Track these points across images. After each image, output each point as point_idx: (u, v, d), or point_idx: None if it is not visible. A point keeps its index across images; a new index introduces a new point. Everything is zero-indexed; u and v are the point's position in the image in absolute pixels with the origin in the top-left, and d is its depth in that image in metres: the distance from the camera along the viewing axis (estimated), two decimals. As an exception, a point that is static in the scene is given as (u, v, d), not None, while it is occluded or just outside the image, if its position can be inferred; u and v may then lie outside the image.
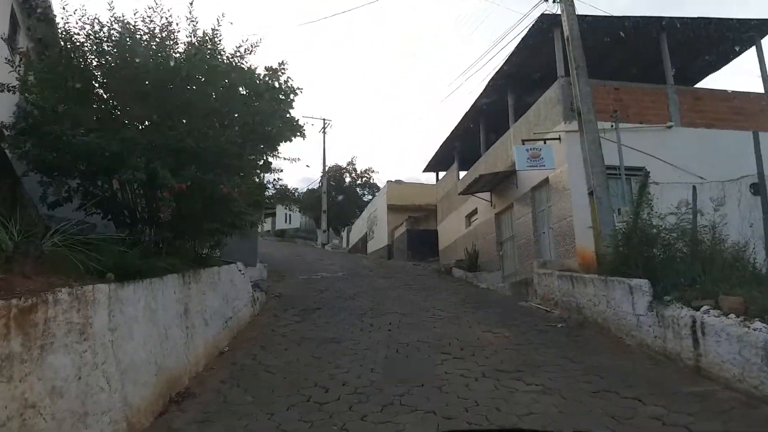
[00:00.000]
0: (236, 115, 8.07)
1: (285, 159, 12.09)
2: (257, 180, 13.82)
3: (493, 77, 15.16)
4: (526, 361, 7.10)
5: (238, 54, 7.92)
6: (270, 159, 12.05)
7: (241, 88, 8.23)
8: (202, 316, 7.46)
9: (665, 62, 12.08)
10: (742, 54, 13.19)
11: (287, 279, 15.16)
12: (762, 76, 12.44)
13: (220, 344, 7.90)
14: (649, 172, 8.41)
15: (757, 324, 5.41)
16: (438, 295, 13.09)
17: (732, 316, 5.83)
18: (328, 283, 14.36)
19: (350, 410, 5.29)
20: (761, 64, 12.43)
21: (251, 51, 8.09)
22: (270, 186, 14.77)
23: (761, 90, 12.48)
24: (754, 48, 12.54)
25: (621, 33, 11.39)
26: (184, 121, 7.45)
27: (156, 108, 7.32)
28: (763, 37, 12.60)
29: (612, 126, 10.86)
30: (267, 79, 9.67)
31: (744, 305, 5.84)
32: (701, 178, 10.55)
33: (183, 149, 6.97)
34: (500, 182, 15.68)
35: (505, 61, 14.17)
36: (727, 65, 13.88)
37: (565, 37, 9.87)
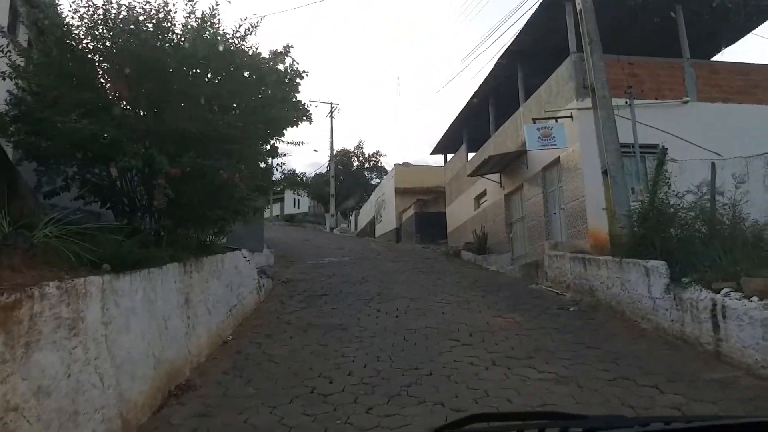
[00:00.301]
0: (237, 99, 7.81)
1: (289, 143, 11.77)
2: (263, 165, 13.65)
3: (502, 55, 14.74)
4: (538, 347, 6.88)
5: (238, 35, 7.63)
6: (276, 144, 11.86)
7: (244, 72, 7.97)
8: (205, 305, 7.29)
9: (681, 35, 11.62)
10: (762, 25, 12.70)
11: (295, 264, 15.00)
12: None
13: (224, 333, 7.75)
14: (666, 149, 8.07)
15: (784, 307, 5.13)
16: (446, 278, 12.88)
17: (755, 299, 5.55)
18: (336, 268, 14.18)
19: (355, 402, 5.10)
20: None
21: (252, 31, 7.80)
22: (276, 171, 14.58)
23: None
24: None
25: (634, 5, 10.93)
26: (183, 105, 7.20)
27: (154, 92, 7.08)
28: (785, 6, 12.12)
29: (626, 102, 10.48)
30: (271, 62, 9.49)
31: (765, 287, 5.55)
32: (718, 154, 10.18)
33: (182, 134, 6.75)
34: (510, 163, 15.35)
35: (515, 39, 13.76)
36: (744, 38, 13.41)
37: (578, 9, 9.46)
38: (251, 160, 8.47)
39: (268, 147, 13.47)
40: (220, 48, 7.22)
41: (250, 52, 7.87)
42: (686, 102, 11.39)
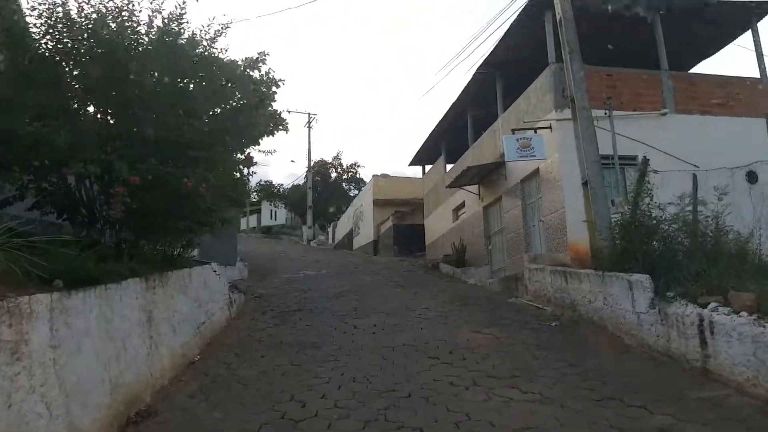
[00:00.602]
0: (206, 104, 7.44)
1: (261, 151, 11.44)
2: (238, 175, 13.24)
3: (480, 66, 14.64)
4: (520, 366, 6.61)
5: (207, 36, 7.28)
6: (251, 153, 11.50)
7: (213, 75, 7.62)
8: (170, 322, 6.86)
9: (659, 46, 11.62)
10: (738, 38, 12.76)
11: (269, 278, 14.56)
12: (758, 59, 12.06)
13: (191, 353, 7.31)
14: (648, 159, 7.93)
15: (775, 323, 4.93)
16: (425, 292, 12.58)
17: (744, 314, 5.36)
18: (312, 282, 13.78)
19: (329, 429, 4.74)
20: (757, 47, 12.05)
21: (221, 32, 7.46)
22: (248, 180, 14.15)
23: (756, 75, 12.12)
24: (749, 32, 12.15)
25: (613, 16, 10.87)
26: (147, 109, 6.81)
27: (116, 95, 6.69)
28: (760, 20, 12.19)
29: (605, 113, 10.39)
30: (246, 69, 9.18)
31: (757, 302, 5.37)
32: (696, 166, 10.13)
33: (144, 140, 6.36)
34: (488, 174, 15.20)
35: (493, 49, 13.66)
36: (721, 51, 13.49)
37: (558, 19, 9.33)
38: (221, 169, 8.09)
39: (243, 156, 13.11)
40: (187, 49, 6.87)
41: (221, 56, 7.55)
42: (664, 114, 11.35)
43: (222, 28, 7.37)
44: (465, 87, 16.05)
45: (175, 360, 6.72)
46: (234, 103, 9.15)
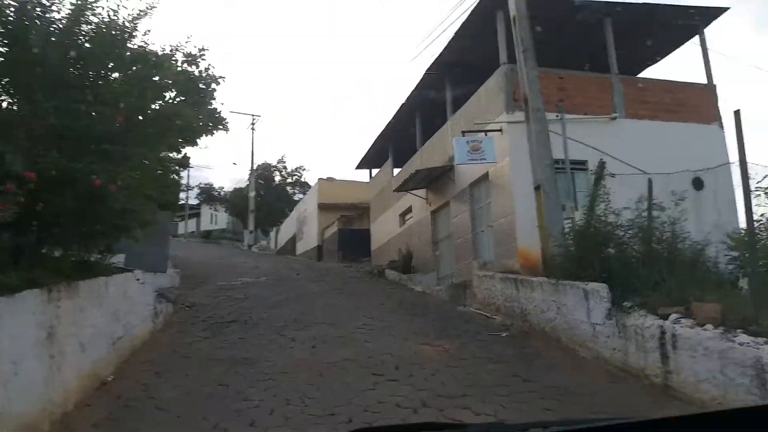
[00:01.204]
0: (128, 95, 6.59)
1: (191, 146, 10.61)
2: (174, 177, 12.27)
3: (430, 67, 14.20)
4: (471, 382, 6.11)
5: (129, 17, 6.47)
6: (187, 153, 10.64)
7: (135, 62, 6.79)
8: (78, 339, 5.97)
9: (609, 49, 11.49)
10: (685, 44, 12.84)
11: (203, 286, 13.57)
12: (705, 65, 12.13)
13: (104, 372, 6.43)
14: (605, 163, 7.64)
15: (743, 337, 4.61)
16: (370, 300, 11.98)
17: (709, 326, 5.02)
18: (249, 290, 12.91)
19: (254, 468, 4.05)
20: (704, 53, 12.12)
21: (145, 14, 6.66)
22: (179, 181, 13.18)
23: (704, 81, 12.20)
24: (697, 38, 12.24)
25: (564, 18, 10.64)
26: (56, 95, 5.92)
27: (15, 78, 5.79)
28: (707, 25, 12.29)
29: (557, 116, 10.11)
30: (184, 64, 8.46)
31: (722, 314, 5.05)
32: (644, 171, 9.97)
33: (47, 130, 5.49)
34: (437, 178, 14.78)
35: (443, 50, 13.25)
36: (671, 56, 13.58)
37: (512, 16, 8.98)
38: (143, 167, 7.22)
39: (179, 156, 12.18)
40: (104, 28, 6.04)
41: (148, 44, 6.78)
42: (614, 118, 11.22)
43: (148, 7, 6.59)
44: (414, 89, 15.59)
45: (83, 381, 5.86)
46: (166, 97, 8.41)
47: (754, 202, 5.81)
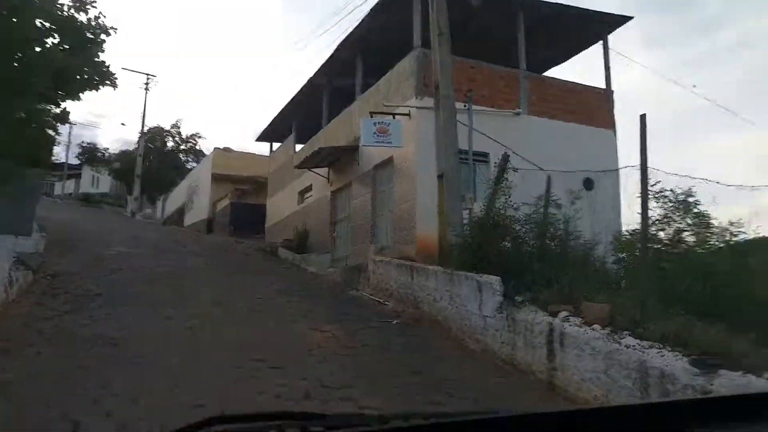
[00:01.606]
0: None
1: (72, 101, 9.54)
2: (50, 132, 10.87)
3: (340, 44, 13.70)
4: (359, 372, 5.83)
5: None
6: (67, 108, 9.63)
7: None
8: None
9: (519, 45, 11.63)
10: (590, 48, 13.30)
11: (73, 253, 12.19)
12: (605, 71, 12.63)
13: (-73, 348, 5.41)
14: (509, 156, 7.62)
15: (630, 340, 4.67)
16: (260, 279, 11.39)
17: (597, 326, 5.08)
18: (125, 261, 11.77)
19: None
20: (606, 59, 12.61)
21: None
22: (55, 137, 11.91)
23: (603, 87, 12.71)
24: (601, 43, 12.72)
25: (479, 6, 10.53)
26: None
27: None
28: (610, 32, 12.75)
29: (465, 106, 10.04)
30: (71, 10, 7.51)
31: (610, 314, 5.12)
32: (541, 168, 10.18)
33: None
34: (341, 158, 14.36)
35: (355, 28, 12.79)
36: (576, 58, 14.03)
37: (429, -2, 8.72)
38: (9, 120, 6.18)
39: (57, 110, 10.83)
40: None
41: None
42: (518, 113, 11.40)
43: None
44: (323, 65, 15.00)
45: None
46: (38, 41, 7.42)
47: (634, 206, 5.97)
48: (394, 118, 11.02)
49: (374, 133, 10.78)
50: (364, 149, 12.58)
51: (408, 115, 10.88)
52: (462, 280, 7.29)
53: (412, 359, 6.50)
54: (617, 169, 9.09)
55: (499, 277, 6.62)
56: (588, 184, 11.24)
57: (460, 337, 7.21)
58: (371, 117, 11.18)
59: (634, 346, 4.57)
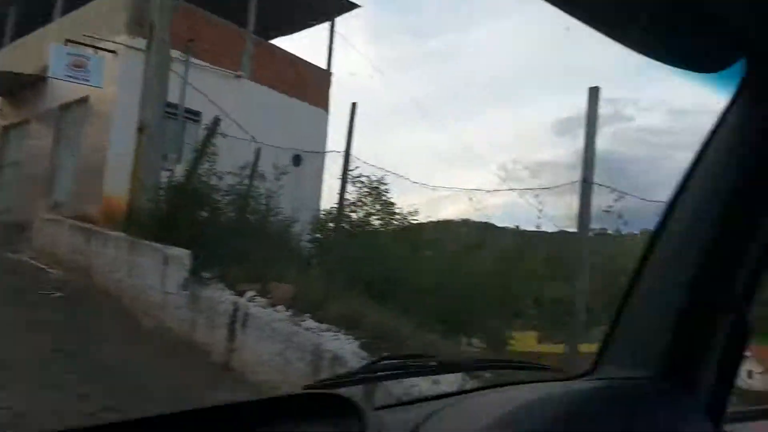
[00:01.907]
0: None
1: None
2: None
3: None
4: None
5: None
6: None
7: None
8: None
9: (251, 4, 10.92)
10: (319, 26, 13.23)
11: None
12: (328, 52, 12.74)
13: None
14: (220, 120, 6.98)
15: (310, 322, 4.59)
16: None
17: (281, 308, 4.90)
18: None
19: None
20: (330, 40, 12.72)
21: None
22: None
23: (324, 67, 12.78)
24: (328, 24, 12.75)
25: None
26: None
27: None
28: (339, 15, 12.76)
29: (181, 57, 8.99)
30: None
31: (295, 296, 5.00)
32: (255, 140, 9.74)
33: None
34: (22, 88, 11.66)
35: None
36: (304, 33, 13.87)
37: None
38: None
39: None
40: None
41: None
42: (239, 77, 10.75)
43: None
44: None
45: None
46: None
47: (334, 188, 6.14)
48: (96, 52, 9.33)
49: (67, 65, 8.99)
50: (53, 84, 10.40)
51: (114, 52, 9.34)
52: (146, 251, 6.44)
53: (69, 340, 5.40)
54: (325, 153, 9.26)
55: (189, 251, 5.98)
56: (296, 160, 11.19)
57: (136, 314, 6.36)
58: (66, 45, 9.26)
59: (313, 328, 4.50)
